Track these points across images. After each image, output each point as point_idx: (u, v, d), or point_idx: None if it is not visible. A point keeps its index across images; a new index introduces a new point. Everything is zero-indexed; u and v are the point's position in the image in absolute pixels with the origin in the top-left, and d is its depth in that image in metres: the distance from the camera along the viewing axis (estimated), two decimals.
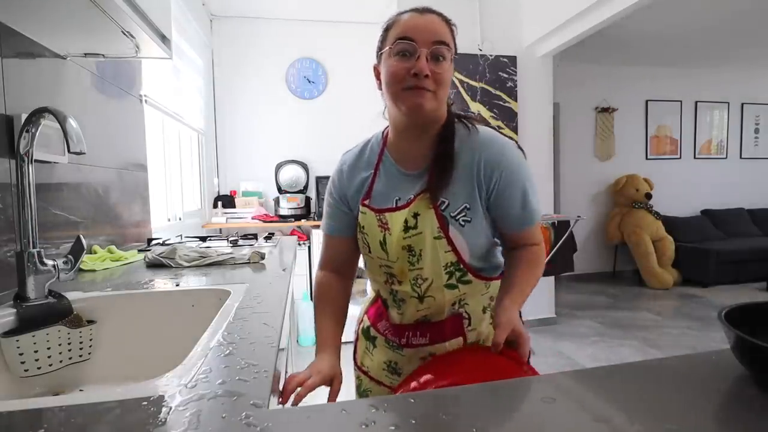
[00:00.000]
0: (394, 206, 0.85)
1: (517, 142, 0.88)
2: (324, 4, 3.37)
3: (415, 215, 0.82)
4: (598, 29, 2.81)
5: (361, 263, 1.00)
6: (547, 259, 2.92)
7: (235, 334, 0.63)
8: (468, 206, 0.81)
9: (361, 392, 1.00)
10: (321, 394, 0.74)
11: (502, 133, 0.88)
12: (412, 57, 0.76)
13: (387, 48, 0.79)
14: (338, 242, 0.96)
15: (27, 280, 0.74)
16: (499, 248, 0.93)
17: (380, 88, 0.84)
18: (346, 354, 0.91)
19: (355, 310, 1.09)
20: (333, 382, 0.78)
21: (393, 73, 0.78)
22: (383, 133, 0.92)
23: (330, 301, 0.94)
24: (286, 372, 1.11)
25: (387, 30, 0.82)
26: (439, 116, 0.84)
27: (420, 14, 0.79)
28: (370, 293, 1.04)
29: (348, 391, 0.89)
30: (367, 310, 1.02)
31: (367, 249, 0.90)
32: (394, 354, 0.93)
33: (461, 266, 0.84)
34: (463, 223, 0.82)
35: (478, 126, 0.86)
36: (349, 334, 0.94)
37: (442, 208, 0.81)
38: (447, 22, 0.82)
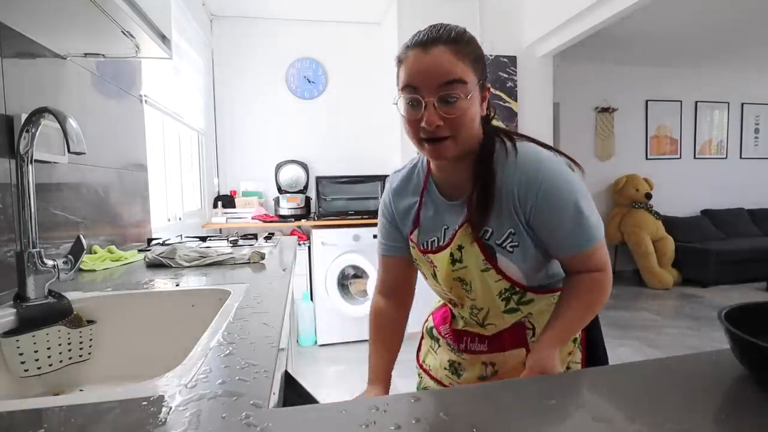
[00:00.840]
0: (437, 245, 0.83)
1: (571, 159, 0.79)
2: (324, 4, 3.37)
3: (460, 248, 0.79)
4: (598, 29, 2.81)
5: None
6: None
7: (235, 334, 0.63)
8: (513, 231, 0.76)
9: (420, 390, 1.00)
10: (322, 396, 0.74)
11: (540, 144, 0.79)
12: (420, 106, 0.71)
13: (399, 91, 0.75)
14: (393, 262, 0.93)
15: (27, 280, 0.74)
16: (557, 263, 0.87)
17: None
18: (408, 350, 0.89)
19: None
20: None
21: (407, 123, 0.74)
22: (427, 161, 0.87)
23: (384, 329, 0.93)
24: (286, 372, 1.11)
25: (398, 65, 0.75)
26: (470, 147, 0.77)
27: (424, 52, 0.70)
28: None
29: (410, 389, 0.87)
30: (434, 312, 1.02)
31: (423, 276, 0.91)
32: (457, 356, 0.92)
33: (517, 289, 0.82)
34: (511, 249, 0.77)
35: (518, 144, 0.77)
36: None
37: (486, 237, 0.78)
38: (457, 47, 0.70)
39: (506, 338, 0.86)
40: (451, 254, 0.80)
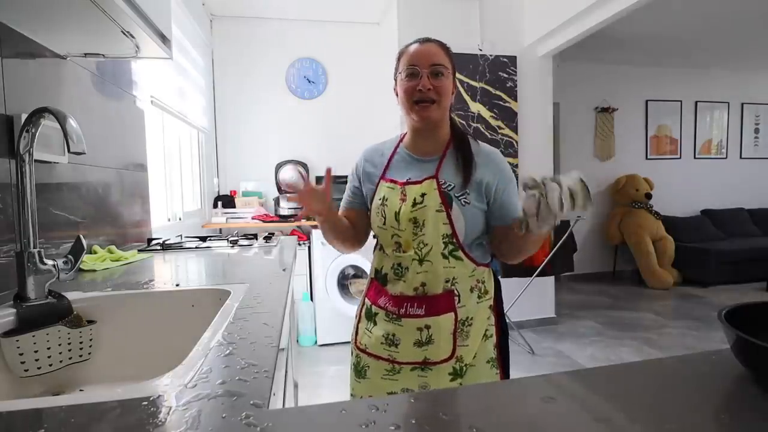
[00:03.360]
0: (412, 181, 1.04)
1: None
2: (324, 4, 3.37)
3: (423, 195, 1.01)
4: (598, 29, 2.81)
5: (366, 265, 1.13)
6: (546, 260, 2.93)
7: (235, 334, 0.63)
8: (468, 192, 1.01)
9: (360, 369, 1.10)
10: (322, 396, 0.74)
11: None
12: (417, 77, 1.00)
13: (399, 72, 1.04)
14: (350, 214, 1.16)
15: (27, 280, 0.74)
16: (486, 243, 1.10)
17: (399, 103, 1.07)
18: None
19: (356, 311, 1.13)
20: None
21: (404, 90, 1.02)
22: (399, 136, 1.14)
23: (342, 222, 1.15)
24: (286, 372, 1.11)
25: (399, 58, 1.06)
26: (445, 121, 1.07)
27: (421, 44, 1.03)
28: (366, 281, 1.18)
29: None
30: (366, 294, 1.14)
31: (383, 221, 1.06)
32: (393, 326, 1.04)
33: (455, 241, 1.02)
34: (464, 203, 1.01)
35: (477, 140, 1.09)
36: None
37: (448, 189, 1.01)
38: (443, 47, 1.05)
39: (441, 302, 1.02)
40: (414, 198, 1.02)
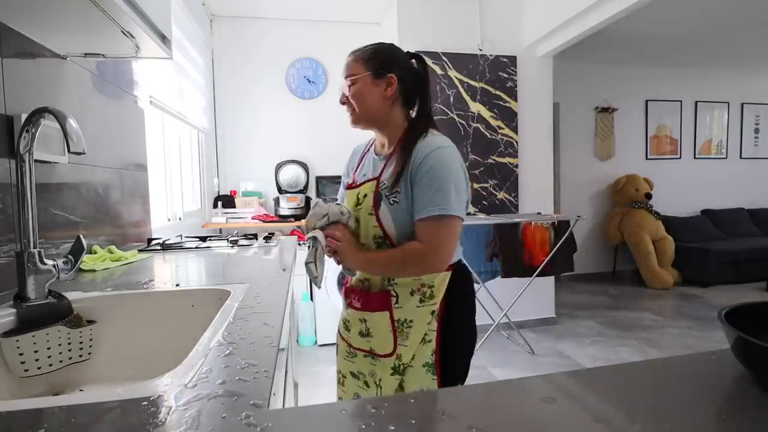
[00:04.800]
0: (359, 183, 1.11)
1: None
2: (324, 4, 3.37)
3: (365, 195, 1.07)
4: (598, 29, 2.81)
5: None
6: (546, 260, 2.93)
7: (235, 334, 0.63)
8: (399, 190, 1.02)
9: (336, 346, 1.22)
10: (322, 396, 0.74)
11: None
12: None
13: None
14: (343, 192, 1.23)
15: (27, 280, 0.74)
16: None
17: None
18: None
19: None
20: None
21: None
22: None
23: None
24: (286, 372, 1.11)
25: None
26: (382, 121, 1.09)
27: (346, 59, 1.10)
28: None
29: None
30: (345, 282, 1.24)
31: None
32: (346, 314, 1.16)
33: (388, 243, 1.06)
34: (392, 202, 1.03)
35: (431, 132, 1.07)
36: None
37: (382, 188, 1.05)
38: (356, 55, 1.08)
39: (375, 300, 1.07)
40: (357, 197, 1.09)
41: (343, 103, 1.10)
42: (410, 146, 1.03)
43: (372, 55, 1.07)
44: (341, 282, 1.21)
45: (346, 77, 1.08)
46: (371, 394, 1.08)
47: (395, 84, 1.06)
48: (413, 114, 1.13)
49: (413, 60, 1.12)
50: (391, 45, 1.11)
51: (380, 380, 1.08)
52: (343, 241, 1.06)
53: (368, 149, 1.19)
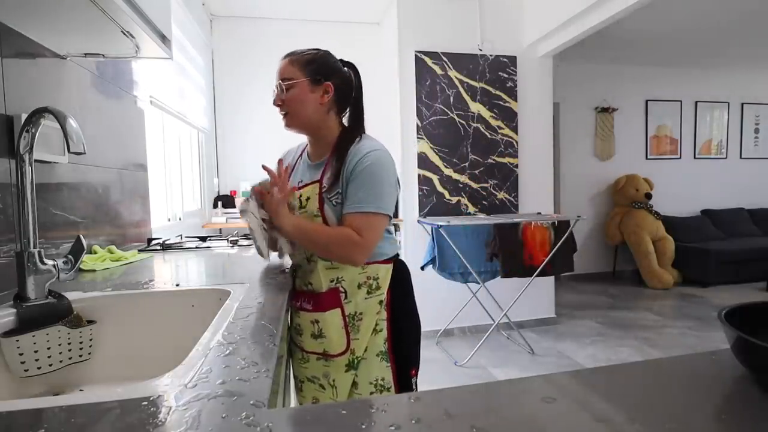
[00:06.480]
0: (302, 185, 1.13)
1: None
2: (324, 4, 3.37)
3: (308, 198, 1.10)
4: (598, 29, 2.81)
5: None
6: (546, 260, 2.92)
7: (235, 334, 0.63)
8: (340, 192, 1.06)
9: (292, 356, 1.21)
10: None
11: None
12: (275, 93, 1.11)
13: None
14: None
15: (27, 280, 0.74)
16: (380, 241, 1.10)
17: None
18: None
19: None
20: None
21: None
22: (306, 142, 1.22)
23: None
24: (286, 375, 1.11)
25: None
26: (315, 126, 1.12)
27: (280, 61, 1.10)
28: None
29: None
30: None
31: None
32: (297, 318, 1.15)
33: None
34: (335, 203, 1.07)
35: (364, 137, 1.13)
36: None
37: (324, 191, 1.08)
38: (293, 59, 1.09)
39: (326, 299, 1.09)
40: (300, 200, 1.11)
41: (277, 105, 1.10)
42: (345, 150, 1.08)
43: (309, 62, 1.09)
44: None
45: (282, 80, 1.08)
46: (328, 396, 1.11)
47: (332, 92, 1.10)
48: (344, 120, 1.17)
49: (346, 68, 1.15)
50: (327, 52, 1.13)
51: (334, 380, 1.10)
52: (273, 195, 1.04)
53: (301, 154, 1.21)
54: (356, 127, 1.15)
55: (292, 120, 1.11)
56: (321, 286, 1.10)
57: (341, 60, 1.16)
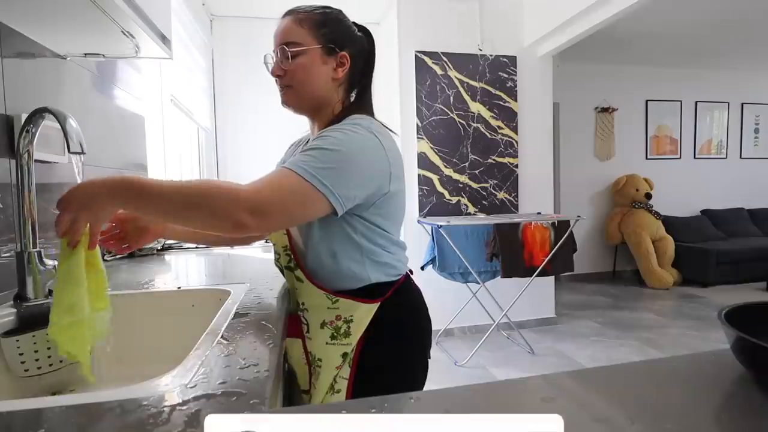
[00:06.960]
0: None
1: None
2: (324, 4, 3.36)
3: None
4: (598, 29, 2.81)
5: None
6: (546, 260, 2.92)
7: (235, 334, 0.63)
8: None
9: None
10: None
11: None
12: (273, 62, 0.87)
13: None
14: None
15: (27, 280, 0.74)
16: (358, 259, 0.83)
17: None
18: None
19: None
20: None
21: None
22: None
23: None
24: (286, 375, 1.10)
25: None
26: (321, 105, 0.88)
27: (280, 20, 0.87)
28: None
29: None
30: None
31: None
32: None
33: (290, 253, 0.88)
34: None
35: (358, 116, 0.84)
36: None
37: None
38: (299, 18, 0.84)
39: (291, 322, 0.88)
40: None
41: (277, 76, 0.85)
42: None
43: (321, 23, 0.84)
44: None
45: (286, 44, 0.82)
46: None
47: (347, 65, 0.86)
48: (352, 98, 0.92)
49: (361, 34, 0.91)
50: (340, 12, 0.90)
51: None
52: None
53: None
54: (361, 106, 0.90)
55: (295, 95, 0.86)
56: (293, 303, 0.91)
57: (355, 23, 0.92)
